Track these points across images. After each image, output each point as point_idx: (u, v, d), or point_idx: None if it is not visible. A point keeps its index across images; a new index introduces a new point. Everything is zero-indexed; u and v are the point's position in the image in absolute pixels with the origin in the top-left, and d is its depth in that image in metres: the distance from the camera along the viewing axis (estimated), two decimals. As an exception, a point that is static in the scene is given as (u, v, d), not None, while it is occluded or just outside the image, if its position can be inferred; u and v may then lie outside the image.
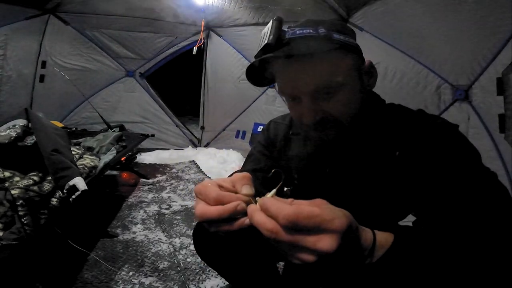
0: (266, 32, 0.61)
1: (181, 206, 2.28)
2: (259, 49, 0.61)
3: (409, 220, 0.65)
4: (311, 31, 0.59)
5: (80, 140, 2.29)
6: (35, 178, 1.35)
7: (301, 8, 2.56)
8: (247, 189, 0.43)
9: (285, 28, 0.62)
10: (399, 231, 0.45)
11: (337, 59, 0.59)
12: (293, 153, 0.78)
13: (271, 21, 0.60)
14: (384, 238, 0.44)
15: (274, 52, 0.58)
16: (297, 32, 0.59)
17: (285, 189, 0.89)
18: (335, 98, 0.60)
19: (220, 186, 0.46)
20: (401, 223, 0.74)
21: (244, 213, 0.41)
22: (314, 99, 0.60)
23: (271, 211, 0.37)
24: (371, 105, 0.69)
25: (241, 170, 0.85)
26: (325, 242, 0.35)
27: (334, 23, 0.64)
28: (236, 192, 0.44)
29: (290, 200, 0.40)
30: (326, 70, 0.58)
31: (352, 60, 0.62)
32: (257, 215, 0.38)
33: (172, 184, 2.74)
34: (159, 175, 2.94)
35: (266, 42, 0.59)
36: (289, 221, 0.35)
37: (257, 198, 0.42)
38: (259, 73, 0.65)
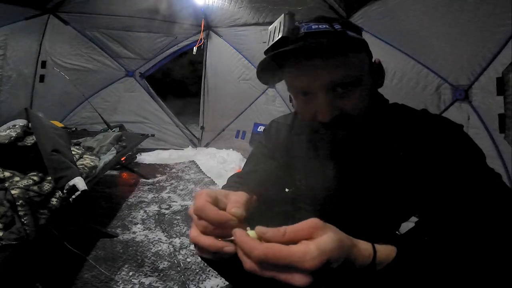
0: (277, 26, 0.59)
1: (181, 206, 2.27)
2: (270, 44, 0.60)
3: (411, 221, 0.65)
4: (327, 26, 0.59)
5: (80, 140, 2.29)
6: (35, 178, 1.35)
7: (301, 8, 2.55)
8: (236, 211, 0.44)
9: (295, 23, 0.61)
10: (401, 244, 0.45)
11: (353, 55, 0.59)
12: (295, 153, 0.78)
13: (283, 15, 0.59)
14: (385, 254, 0.43)
15: (294, 45, 0.56)
16: (313, 27, 0.59)
17: (286, 190, 0.88)
18: (350, 95, 0.60)
19: (217, 200, 0.47)
20: (404, 224, 0.74)
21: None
22: (330, 95, 0.59)
23: (244, 250, 0.38)
24: (376, 104, 0.68)
25: (242, 171, 0.85)
26: (297, 279, 0.36)
27: (344, 20, 0.64)
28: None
29: (283, 231, 0.39)
30: (343, 66, 0.58)
31: (365, 57, 0.63)
32: (239, 252, 0.40)
33: (172, 184, 2.74)
34: (159, 175, 2.94)
35: (281, 35, 0.58)
36: (260, 260, 0.37)
37: (247, 229, 0.41)
38: (270, 69, 0.62)
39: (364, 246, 0.43)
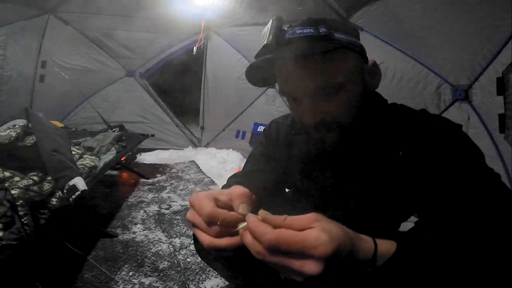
0: (265, 32, 0.60)
1: (181, 206, 2.28)
2: (258, 50, 0.61)
3: (411, 221, 0.65)
4: (311, 30, 0.58)
5: (80, 140, 2.29)
6: (35, 178, 1.35)
7: (301, 8, 2.55)
8: (243, 208, 0.44)
9: (285, 27, 0.61)
10: (402, 239, 0.45)
11: (338, 59, 0.58)
12: (295, 153, 0.78)
13: (271, 20, 0.59)
14: (386, 248, 0.43)
15: (273, 53, 0.58)
16: (297, 31, 0.58)
17: (286, 190, 0.88)
18: (336, 98, 0.59)
19: (216, 199, 0.46)
20: (403, 224, 0.74)
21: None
22: (315, 99, 0.60)
23: (255, 234, 0.38)
24: (374, 105, 0.68)
25: (242, 171, 0.85)
26: (310, 266, 0.36)
27: (336, 21, 0.63)
28: (232, 208, 0.45)
29: (284, 216, 0.39)
30: (326, 71, 0.57)
31: (353, 60, 0.61)
32: (246, 237, 0.39)
33: (172, 184, 2.74)
34: (159, 175, 2.94)
35: (265, 42, 0.58)
36: (271, 245, 0.36)
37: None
38: (259, 73, 0.64)
39: (365, 239, 0.43)
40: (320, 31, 0.58)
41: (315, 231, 0.37)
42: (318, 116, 0.60)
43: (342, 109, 0.61)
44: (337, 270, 0.38)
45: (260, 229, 0.37)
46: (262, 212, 0.40)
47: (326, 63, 0.57)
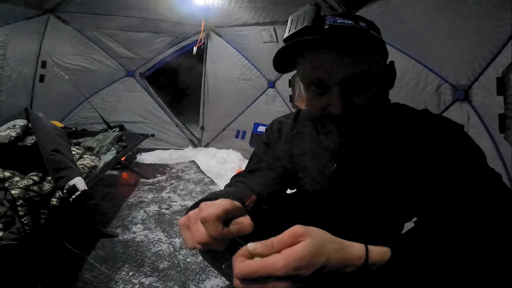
0: (301, 15, 0.60)
1: (181, 206, 2.28)
2: (291, 32, 0.60)
3: (413, 221, 0.65)
4: (352, 23, 0.59)
5: (80, 140, 2.29)
6: (35, 178, 1.35)
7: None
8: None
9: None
10: (397, 245, 0.45)
11: (373, 54, 0.60)
12: (297, 152, 0.78)
13: (308, 5, 0.60)
14: (379, 255, 0.43)
15: (311, 36, 0.57)
16: (339, 21, 0.59)
17: (288, 191, 0.88)
18: (364, 92, 0.60)
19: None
20: (407, 224, 0.74)
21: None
22: (345, 90, 0.60)
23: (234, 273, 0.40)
24: (383, 104, 0.69)
25: (245, 170, 0.85)
26: (281, 286, 0.38)
27: (366, 19, 0.64)
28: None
29: (270, 241, 0.41)
30: (363, 64, 0.59)
31: (383, 56, 0.64)
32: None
33: (172, 184, 2.74)
34: (159, 175, 2.94)
35: (305, 24, 0.58)
36: (238, 277, 0.39)
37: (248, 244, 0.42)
38: (289, 57, 0.63)
39: (354, 248, 0.43)
40: (360, 25, 0.60)
41: (273, 257, 0.39)
42: (344, 107, 0.59)
43: (366, 103, 0.61)
44: (315, 281, 0.39)
45: (234, 264, 0.40)
46: (251, 246, 0.41)
47: (364, 56, 0.59)
